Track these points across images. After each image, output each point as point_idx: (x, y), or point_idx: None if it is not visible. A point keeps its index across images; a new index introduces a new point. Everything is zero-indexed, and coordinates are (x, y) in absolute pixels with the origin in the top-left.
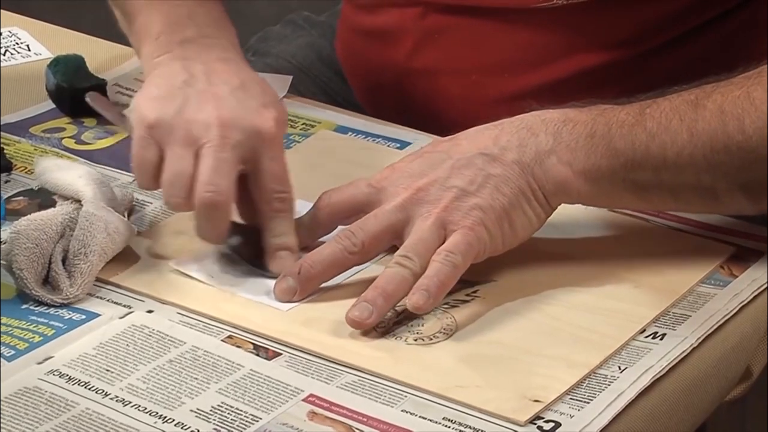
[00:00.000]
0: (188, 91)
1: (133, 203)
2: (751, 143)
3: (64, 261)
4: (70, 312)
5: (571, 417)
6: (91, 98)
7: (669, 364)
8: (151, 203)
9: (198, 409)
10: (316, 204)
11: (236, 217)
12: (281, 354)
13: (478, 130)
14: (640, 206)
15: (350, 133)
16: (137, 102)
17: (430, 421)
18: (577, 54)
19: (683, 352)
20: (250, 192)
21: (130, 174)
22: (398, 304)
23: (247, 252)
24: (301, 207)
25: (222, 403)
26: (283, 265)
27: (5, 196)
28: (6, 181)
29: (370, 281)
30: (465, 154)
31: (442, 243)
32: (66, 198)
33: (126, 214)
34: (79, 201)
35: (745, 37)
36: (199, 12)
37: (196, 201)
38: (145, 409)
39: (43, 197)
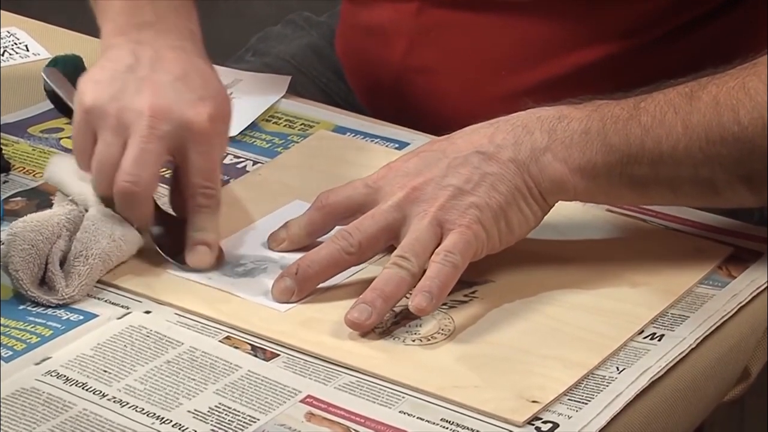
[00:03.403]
0: (128, 77)
1: None
2: (747, 134)
3: (63, 262)
4: (68, 313)
5: (569, 418)
6: (47, 74)
7: (667, 364)
8: None
9: (195, 410)
10: (314, 204)
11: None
12: (279, 355)
13: (474, 128)
14: (638, 201)
15: (348, 134)
16: (81, 84)
17: (428, 422)
18: (574, 49)
19: (681, 352)
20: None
21: None
22: (396, 305)
23: (169, 243)
24: (299, 207)
25: (220, 404)
26: (200, 260)
27: (3, 197)
28: (4, 182)
29: (368, 281)
30: (461, 153)
31: (439, 242)
32: (63, 199)
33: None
34: (75, 202)
35: (745, 29)
36: None
37: (114, 189)
38: (143, 410)
39: (41, 198)
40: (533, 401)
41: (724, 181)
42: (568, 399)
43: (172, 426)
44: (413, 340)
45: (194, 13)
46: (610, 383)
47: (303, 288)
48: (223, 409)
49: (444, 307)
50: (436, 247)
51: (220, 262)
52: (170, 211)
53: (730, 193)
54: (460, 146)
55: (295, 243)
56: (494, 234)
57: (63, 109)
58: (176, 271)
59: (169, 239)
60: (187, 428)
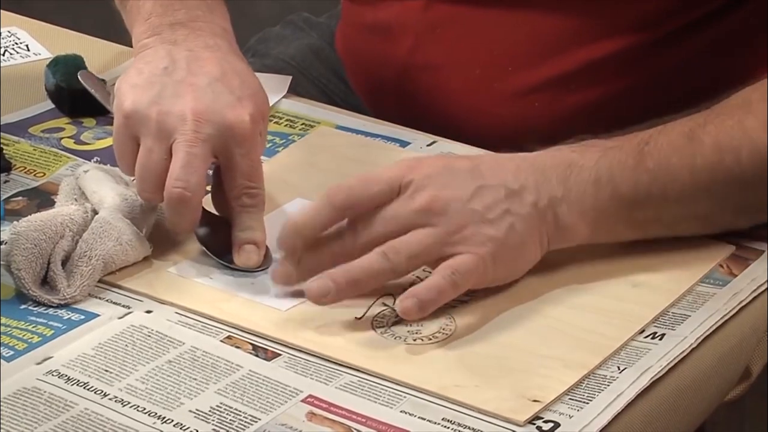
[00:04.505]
0: (166, 80)
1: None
2: (746, 173)
3: (66, 261)
4: (69, 312)
5: (570, 417)
6: (82, 76)
7: (668, 364)
8: None
9: (197, 409)
10: (324, 199)
11: (212, 208)
12: (280, 354)
13: (498, 159)
14: (633, 238)
15: (350, 133)
16: (119, 87)
17: (429, 421)
18: (583, 45)
19: (682, 352)
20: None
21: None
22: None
23: (215, 244)
24: (301, 206)
25: (221, 403)
26: (248, 259)
27: (4, 197)
28: (5, 182)
29: None
30: (488, 182)
31: (438, 260)
32: (67, 199)
33: (144, 231)
34: (77, 201)
35: (757, 25)
36: None
37: (165, 195)
38: (144, 409)
39: (42, 198)
40: (534, 401)
41: (719, 214)
42: (569, 398)
43: (174, 425)
44: (414, 340)
45: (225, 11)
46: (611, 383)
47: (342, 292)
48: (225, 409)
49: (445, 306)
50: (434, 264)
51: (267, 260)
52: (213, 210)
53: (722, 223)
54: (487, 177)
55: (309, 241)
56: (501, 270)
57: (63, 108)
58: (198, 278)
59: (214, 239)
60: (188, 428)
